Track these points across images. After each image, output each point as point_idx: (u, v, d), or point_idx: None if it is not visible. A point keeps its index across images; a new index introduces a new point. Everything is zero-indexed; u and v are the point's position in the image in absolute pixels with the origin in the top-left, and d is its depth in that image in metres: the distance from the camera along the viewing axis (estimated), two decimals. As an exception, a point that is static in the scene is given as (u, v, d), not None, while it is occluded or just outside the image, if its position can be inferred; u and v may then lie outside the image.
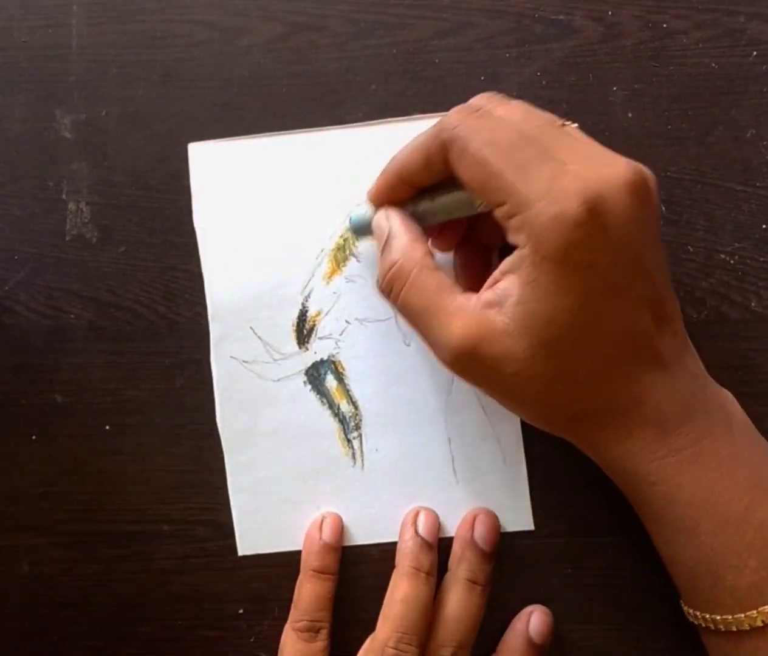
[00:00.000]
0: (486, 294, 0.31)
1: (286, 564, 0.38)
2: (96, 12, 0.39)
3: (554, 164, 0.29)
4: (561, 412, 0.31)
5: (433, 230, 0.35)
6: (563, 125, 0.32)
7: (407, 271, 0.32)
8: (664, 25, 0.38)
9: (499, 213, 0.30)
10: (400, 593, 0.35)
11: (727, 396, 0.33)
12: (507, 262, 0.30)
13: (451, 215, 0.34)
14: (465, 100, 0.37)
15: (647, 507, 0.32)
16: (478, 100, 0.33)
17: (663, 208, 0.37)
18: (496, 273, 0.31)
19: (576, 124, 0.32)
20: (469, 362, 0.31)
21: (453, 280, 0.32)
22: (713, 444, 0.30)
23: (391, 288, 0.33)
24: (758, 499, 0.30)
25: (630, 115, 0.38)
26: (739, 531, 0.30)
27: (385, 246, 0.33)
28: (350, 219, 0.36)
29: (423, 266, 0.32)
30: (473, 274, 0.36)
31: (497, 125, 0.30)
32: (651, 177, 0.31)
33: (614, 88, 0.38)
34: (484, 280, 0.32)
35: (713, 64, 0.38)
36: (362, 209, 0.35)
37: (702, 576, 0.31)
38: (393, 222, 0.33)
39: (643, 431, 0.31)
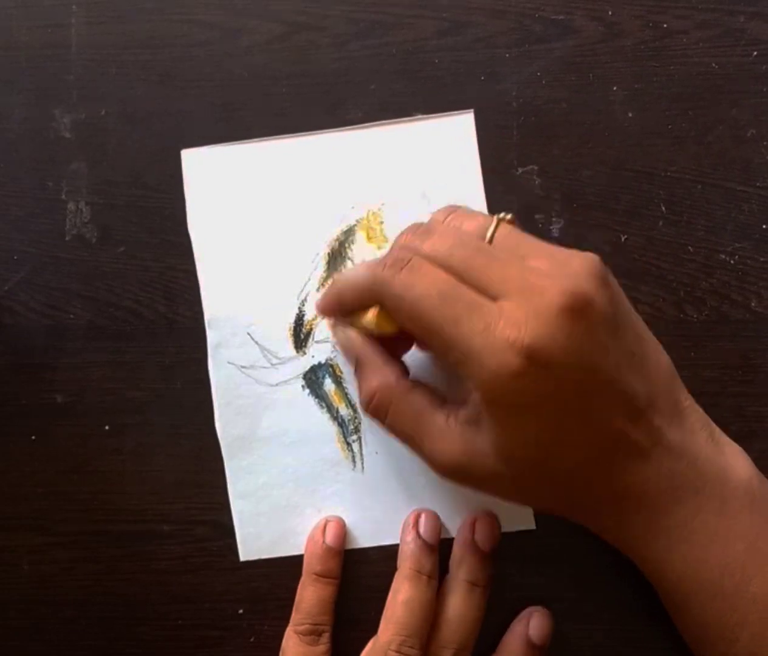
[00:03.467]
0: (462, 412, 0.32)
1: (286, 564, 0.38)
2: (96, 12, 0.39)
3: (487, 311, 0.29)
4: (554, 505, 0.33)
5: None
6: (500, 221, 0.31)
7: (387, 401, 0.33)
8: (665, 25, 0.38)
9: (443, 360, 0.31)
10: (402, 596, 0.35)
11: (729, 458, 0.32)
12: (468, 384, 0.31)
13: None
14: (465, 99, 0.38)
15: (646, 578, 0.33)
16: (404, 238, 0.33)
17: (663, 208, 0.37)
18: (465, 389, 0.32)
19: (510, 215, 0.32)
20: (460, 478, 0.32)
21: (431, 393, 0.33)
22: (704, 522, 0.30)
23: (375, 414, 0.34)
24: (752, 572, 0.30)
25: (630, 114, 0.38)
26: (731, 606, 0.30)
27: (359, 372, 0.34)
28: None
29: (400, 392, 0.33)
30: None
31: (426, 276, 0.30)
32: (590, 284, 0.29)
33: (614, 88, 0.38)
34: None
35: (713, 64, 0.38)
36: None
37: (699, 641, 0.32)
38: (358, 346, 0.34)
39: (632, 517, 0.31)
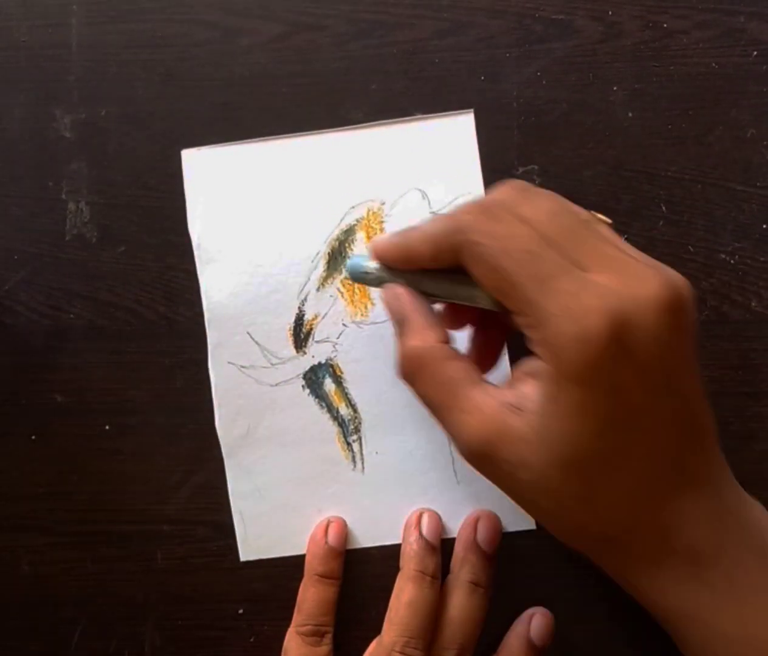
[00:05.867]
0: (506, 394, 0.29)
1: (286, 564, 0.38)
2: (96, 12, 0.39)
3: (577, 276, 0.27)
4: (578, 532, 0.30)
5: (447, 309, 0.34)
6: (594, 217, 0.30)
7: (424, 362, 0.30)
8: (665, 25, 0.38)
9: (518, 321, 0.28)
10: (406, 597, 0.35)
11: (758, 511, 0.30)
12: (529, 365, 0.29)
13: (454, 300, 0.32)
14: (465, 99, 0.38)
15: (687, 643, 0.30)
16: (499, 194, 0.30)
17: (663, 208, 0.37)
18: (517, 372, 0.30)
19: (609, 221, 0.30)
20: (485, 461, 0.29)
21: (471, 367, 0.30)
22: (747, 576, 0.28)
23: (409, 377, 0.31)
24: None
25: (630, 114, 0.38)
26: None
27: (400, 331, 0.32)
28: (348, 265, 0.34)
29: (440, 356, 0.30)
30: (486, 349, 0.34)
31: (515, 231, 0.28)
32: (687, 293, 0.28)
33: (614, 88, 0.38)
34: (496, 356, 0.33)
35: (713, 64, 0.38)
36: (363, 261, 0.33)
37: None
38: (405, 305, 0.31)
39: (673, 562, 0.28)
